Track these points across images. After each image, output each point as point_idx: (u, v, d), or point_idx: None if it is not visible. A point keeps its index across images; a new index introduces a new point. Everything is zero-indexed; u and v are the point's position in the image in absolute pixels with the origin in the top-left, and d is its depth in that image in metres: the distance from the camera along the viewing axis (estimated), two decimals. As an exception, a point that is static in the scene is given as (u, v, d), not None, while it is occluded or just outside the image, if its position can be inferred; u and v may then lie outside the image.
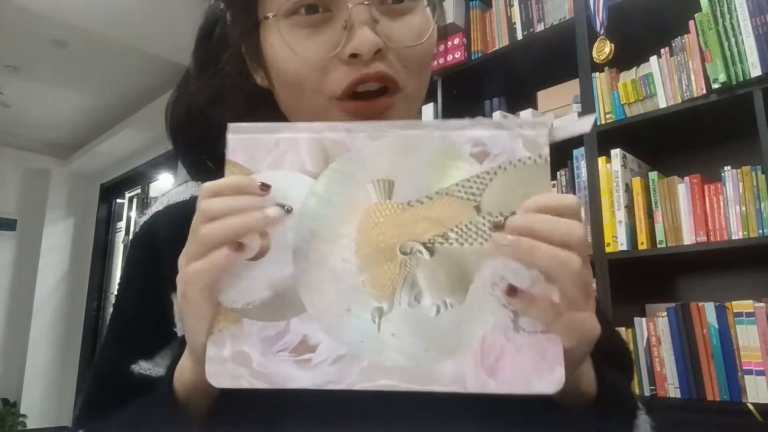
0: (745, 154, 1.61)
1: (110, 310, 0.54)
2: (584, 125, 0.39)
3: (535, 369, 0.36)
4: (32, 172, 5.33)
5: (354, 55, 0.46)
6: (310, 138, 0.39)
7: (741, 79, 1.50)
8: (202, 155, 0.57)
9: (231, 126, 0.40)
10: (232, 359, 0.37)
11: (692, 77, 1.60)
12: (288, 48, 0.47)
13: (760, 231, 1.48)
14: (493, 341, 0.36)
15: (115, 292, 0.54)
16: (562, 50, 1.85)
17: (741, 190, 1.53)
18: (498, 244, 0.36)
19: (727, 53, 1.54)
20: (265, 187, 0.38)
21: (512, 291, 0.36)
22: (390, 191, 0.38)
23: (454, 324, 0.37)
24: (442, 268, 0.37)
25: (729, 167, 1.56)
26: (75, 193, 5.47)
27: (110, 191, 5.53)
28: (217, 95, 0.56)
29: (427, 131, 0.39)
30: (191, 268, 0.37)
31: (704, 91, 1.57)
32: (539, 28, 1.96)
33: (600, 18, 1.67)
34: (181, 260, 0.38)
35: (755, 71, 1.48)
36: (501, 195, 0.37)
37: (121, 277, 0.53)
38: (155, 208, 0.55)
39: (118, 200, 5.56)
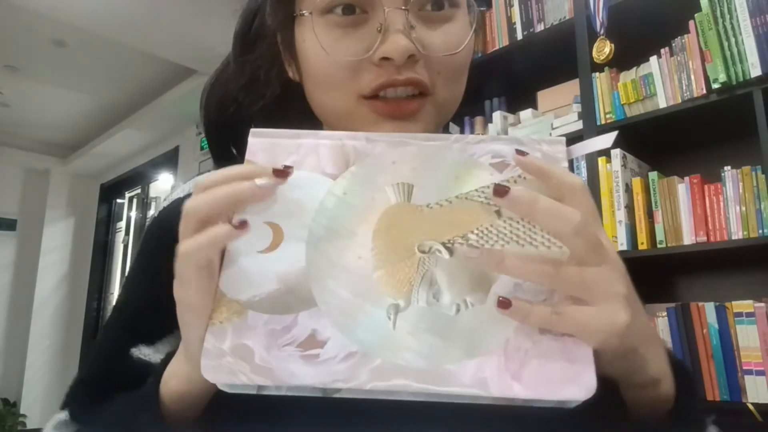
0: (745, 154, 1.61)
1: (110, 310, 0.54)
2: (604, 142, 0.39)
3: (564, 374, 0.34)
4: (32, 172, 5.33)
5: (385, 59, 0.46)
6: (331, 144, 0.40)
7: (741, 79, 1.50)
8: (230, 141, 0.59)
9: (253, 131, 0.40)
10: (232, 352, 0.35)
11: (692, 77, 1.60)
12: (320, 46, 0.48)
13: (760, 231, 1.48)
14: (517, 345, 0.34)
15: (127, 275, 0.54)
16: (562, 50, 1.85)
17: (741, 190, 1.53)
18: (498, 201, 0.35)
19: (727, 53, 1.54)
20: (281, 172, 0.37)
21: (504, 303, 0.34)
22: (409, 194, 0.38)
23: (476, 324, 0.35)
24: (462, 268, 0.36)
25: (729, 167, 1.56)
26: (75, 193, 5.48)
27: (110, 191, 5.53)
28: (251, 83, 0.56)
29: (447, 143, 0.40)
30: (183, 246, 0.36)
31: (704, 91, 1.57)
32: (539, 28, 1.96)
33: (600, 18, 1.67)
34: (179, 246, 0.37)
35: (755, 71, 1.48)
36: None
37: (132, 264, 0.53)
38: (175, 194, 0.54)
39: (118, 200, 5.56)
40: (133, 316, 0.51)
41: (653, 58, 1.70)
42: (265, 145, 0.40)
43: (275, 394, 0.36)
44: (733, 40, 1.54)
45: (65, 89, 4.29)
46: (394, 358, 0.35)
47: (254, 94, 0.56)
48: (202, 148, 4.09)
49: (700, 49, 1.59)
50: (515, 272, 0.35)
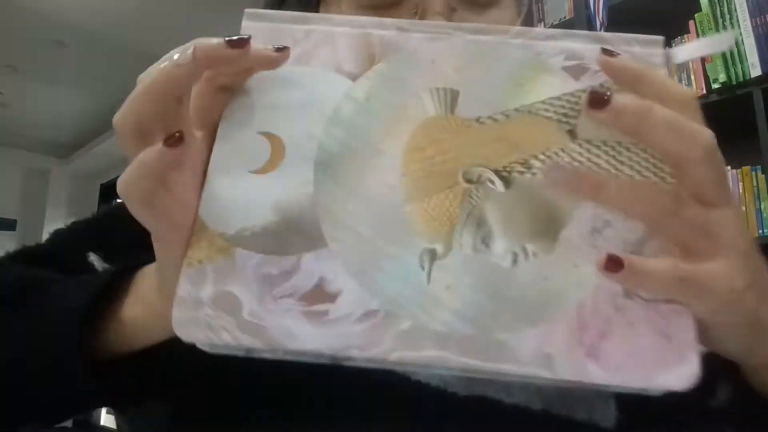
0: (745, 154, 1.61)
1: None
2: (720, 43, 0.31)
3: (658, 354, 0.25)
4: (32, 172, 5.33)
5: None
6: (351, 32, 0.31)
7: (741, 79, 1.51)
8: None
9: (248, 12, 0.32)
10: (213, 303, 0.27)
11: (692, 77, 1.61)
12: None
13: (760, 231, 1.48)
14: (595, 310, 0.26)
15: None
16: (562, 50, 1.85)
17: (741, 190, 1.53)
18: (594, 114, 0.26)
19: (727, 53, 1.54)
20: (239, 42, 0.28)
21: (614, 263, 0.24)
22: (452, 103, 0.29)
23: (539, 281, 0.27)
24: (521, 205, 0.28)
25: (729, 167, 1.56)
26: (75, 193, 5.48)
27: (110, 191, 5.52)
28: None
29: (505, 37, 0.30)
30: (120, 180, 0.27)
31: (704, 91, 1.57)
32: (539, 27, 1.97)
33: (600, 18, 1.67)
34: None
35: (755, 71, 1.48)
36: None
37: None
38: None
39: (118, 200, 5.54)
40: (100, 231, 0.47)
41: (653, 58, 1.70)
42: (262, 30, 0.31)
43: (268, 358, 0.27)
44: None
45: (65, 89, 4.29)
46: (427, 321, 0.26)
47: None
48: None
49: (700, 49, 1.60)
50: (621, 203, 0.26)
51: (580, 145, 0.28)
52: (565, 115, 0.29)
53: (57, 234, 0.48)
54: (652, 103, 0.25)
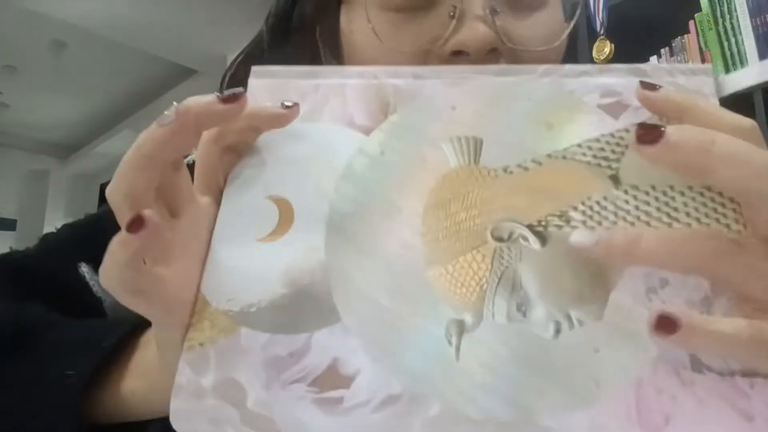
0: (745, 154, 1.61)
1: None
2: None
3: None
4: (32, 173, 5.33)
5: (458, 53, 0.36)
6: (362, 84, 0.28)
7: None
8: None
9: (255, 69, 0.30)
10: (215, 391, 0.24)
11: (692, 77, 1.61)
12: (373, 35, 0.37)
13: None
14: (656, 387, 0.22)
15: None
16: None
17: (741, 190, 1.53)
18: (646, 151, 0.22)
19: (727, 53, 1.54)
20: (232, 98, 0.25)
21: (667, 323, 0.20)
22: (476, 152, 0.26)
23: (588, 354, 0.23)
24: (561, 264, 0.24)
25: (729, 167, 1.56)
26: (75, 194, 5.47)
27: (110, 191, 5.53)
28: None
29: (532, 76, 0.27)
30: (100, 271, 0.25)
31: (704, 91, 1.57)
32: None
33: (600, 18, 1.68)
34: None
35: (755, 71, 1.48)
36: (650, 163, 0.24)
37: None
38: None
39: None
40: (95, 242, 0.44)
41: (653, 58, 1.70)
42: (270, 86, 0.29)
43: None
44: (733, 40, 1.54)
45: (65, 89, 4.29)
46: (460, 405, 0.22)
47: None
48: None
49: (700, 49, 1.59)
50: (679, 259, 0.21)
51: (626, 192, 0.24)
52: (605, 158, 0.25)
53: (46, 240, 0.45)
54: (714, 132, 0.22)
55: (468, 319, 0.24)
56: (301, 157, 0.28)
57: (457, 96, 0.28)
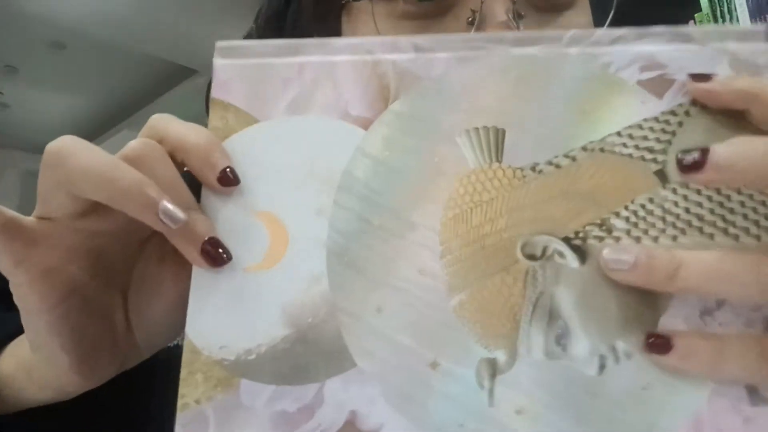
0: (746, 154, 1.61)
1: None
2: None
3: None
4: (32, 173, 5.32)
5: None
6: (354, 61, 0.24)
7: (741, 79, 1.51)
8: None
9: (220, 46, 0.25)
10: None
11: (692, 77, 1.61)
12: None
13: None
14: (715, 422, 0.20)
15: None
16: (562, 50, 1.85)
17: (741, 190, 1.53)
18: (685, 174, 0.20)
19: (727, 53, 1.55)
20: (228, 179, 0.22)
21: (658, 345, 0.19)
22: (498, 147, 0.22)
23: (637, 391, 0.20)
24: (604, 286, 0.21)
25: (729, 167, 1.56)
26: (75, 194, 5.48)
27: (110, 192, 5.53)
28: None
29: (557, 48, 0.23)
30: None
31: (704, 91, 1.57)
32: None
33: (600, 18, 1.68)
34: None
35: (755, 71, 1.48)
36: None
37: None
38: None
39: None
40: None
41: (653, 58, 1.70)
42: (243, 69, 0.24)
43: None
44: (733, 40, 1.55)
45: (65, 90, 4.29)
46: None
47: None
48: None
49: (700, 49, 1.60)
50: (706, 287, 0.19)
51: (674, 191, 0.21)
52: (649, 149, 0.22)
53: None
54: None
55: (501, 357, 0.21)
56: (289, 163, 0.23)
57: (471, 75, 0.23)
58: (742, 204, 0.20)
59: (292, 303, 0.22)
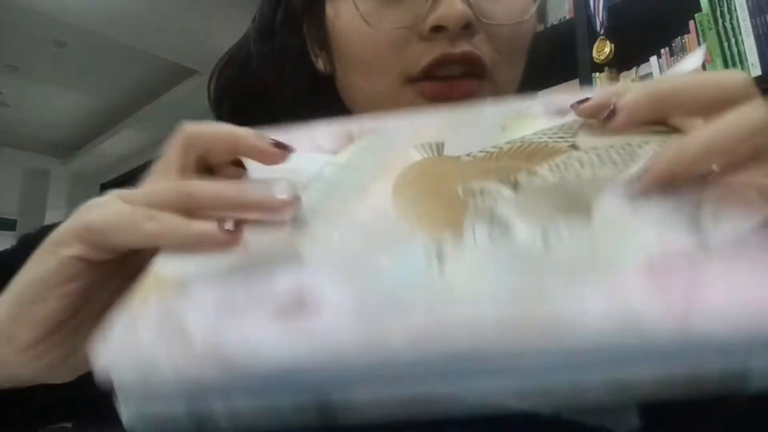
0: (745, 154, 1.61)
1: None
2: (693, 62, 0.31)
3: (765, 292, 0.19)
4: (32, 172, 5.33)
5: (437, 29, 0.38)
6: (329, 125, 0.31)
7: (741, 79, 1.51)
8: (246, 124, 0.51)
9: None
10: (153, 327, 0.21)
11: (692, 77, 1.61)
12: (359, 18, 0.40)
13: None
14: (667, 262, 0.20)
15: None
16: (562, 50, 1.85)
17: (741, 190, 1.53)
18: (607, 125, 0.26)
19: (727, 53, 1.54)
20: (282, 149, 0.28)
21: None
22: (440, 150, 0.28)
23: (586, 254, 0.21)
24: (537, 199, 0.24)
25: (729, 167, 1.56)
26: (75, 193, 5.47)
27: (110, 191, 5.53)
28: (277, 67, 0.48)
29: (483, 104, 0.31)
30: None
31: (704, 91, 1.57)
32: (539, 28, 1.96)
33: (600, 18, 1.68)
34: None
35: (755, 71, 1.48)
36: (605, 133, 0.26)
37: None
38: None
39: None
40: None
41: (653, 59, 1.70)
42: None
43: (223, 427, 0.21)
44: (733, 40, 1.54)
45: (65, 89, 4.29)
46: (450, 312, 0.20)
47: (282, 80, 0.48)
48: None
49: (700, 49, 1.59)
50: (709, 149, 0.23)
51: (587, 153, 0.26)
52: (561, 138, 0.27)
53: (25, 241, 0.44)
54: (658, 79, 0.23)
55: (447, 238, 0.22)
56: (267, 179, 0.26)
57: (419, 122, 0.30)
58: (646, 153, 0.25)
59: (254, 241, 0.24)
